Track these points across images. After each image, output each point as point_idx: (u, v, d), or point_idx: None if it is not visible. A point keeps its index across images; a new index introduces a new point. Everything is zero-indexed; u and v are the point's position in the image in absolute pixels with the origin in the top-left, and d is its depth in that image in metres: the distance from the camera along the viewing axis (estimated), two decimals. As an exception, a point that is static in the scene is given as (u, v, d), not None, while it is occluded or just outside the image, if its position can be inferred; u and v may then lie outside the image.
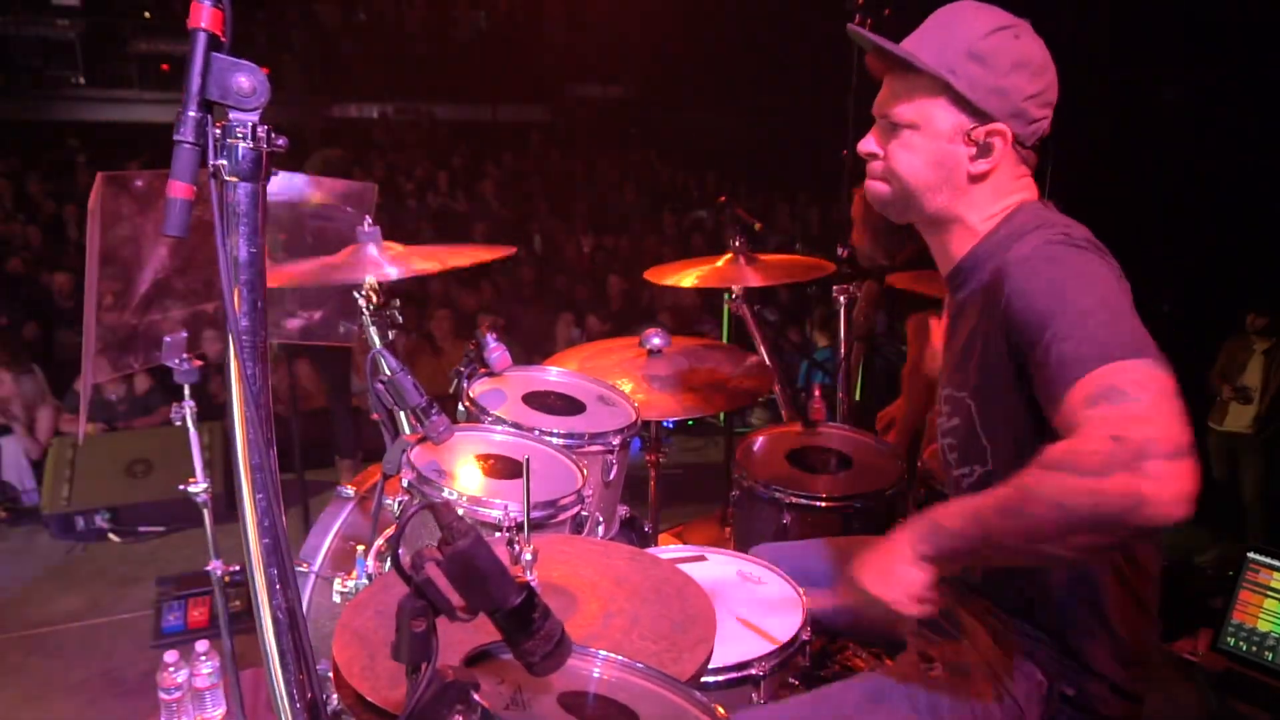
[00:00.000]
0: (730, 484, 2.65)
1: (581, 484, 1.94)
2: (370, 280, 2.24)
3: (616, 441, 2.16)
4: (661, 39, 12.25)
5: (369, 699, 1.19)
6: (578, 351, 2.98)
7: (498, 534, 1.69)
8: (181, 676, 2.37)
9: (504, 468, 2.00)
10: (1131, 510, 1.05)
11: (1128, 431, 1.07)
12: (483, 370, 2.35)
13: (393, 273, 2.22)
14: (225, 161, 1.02)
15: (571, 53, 14.17)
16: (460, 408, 2.25)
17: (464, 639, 1.18)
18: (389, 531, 2.04)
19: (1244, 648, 2.72)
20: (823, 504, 2.41)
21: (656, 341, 2.75)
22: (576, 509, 1.90)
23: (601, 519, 2.13)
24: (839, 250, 3.48)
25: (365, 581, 1.89)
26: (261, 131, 1.02)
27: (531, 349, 5.92)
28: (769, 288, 3.86)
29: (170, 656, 2.37)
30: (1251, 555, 2.78)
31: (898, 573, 1.27)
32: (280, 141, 1.05)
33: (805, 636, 1.75)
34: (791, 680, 1.74)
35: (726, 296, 3.41)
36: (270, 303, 1.10)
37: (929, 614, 1.29)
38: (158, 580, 4.44)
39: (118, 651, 3.88)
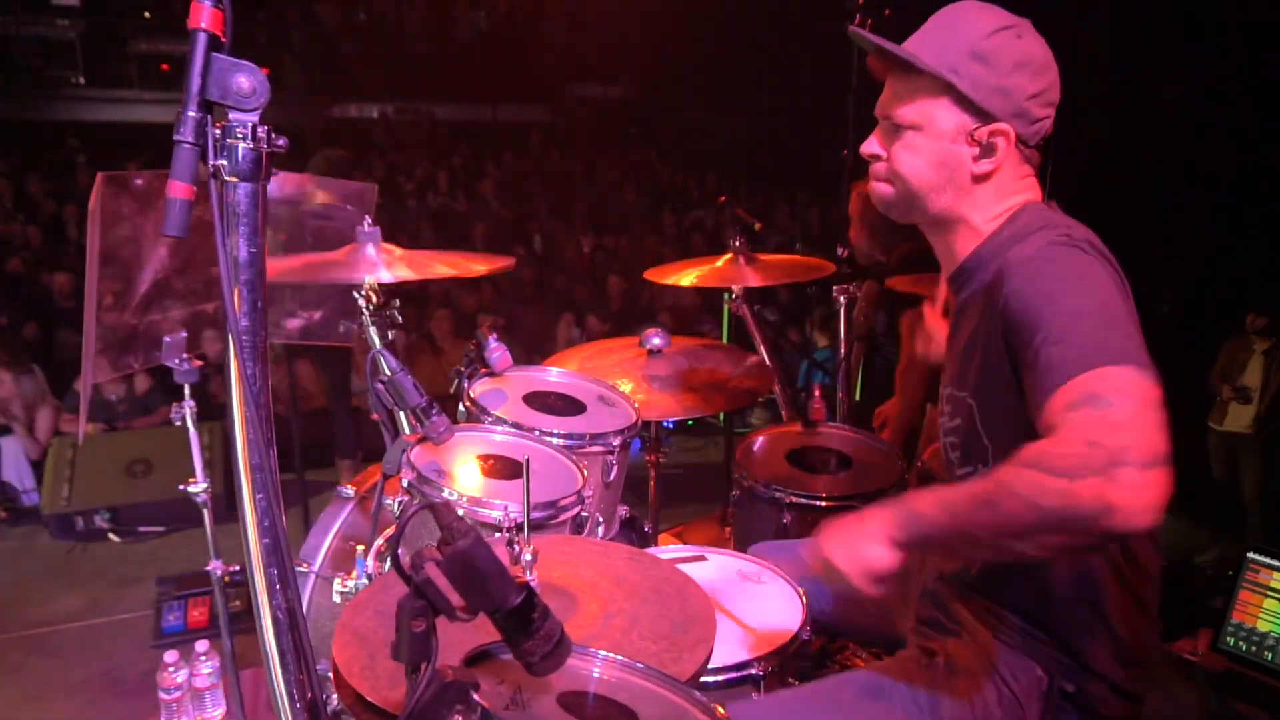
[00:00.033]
0: (730, 484, 2.65)
1: (582, 484, 1.94)
2: (370, 280, 2.24)
3: (617, 442, 2.16)
4: (661, 39, 12.26)
5: (369, 699, 1.19)
6: (578, 351, 2.98)
7: (498, 534, 1.69)
8: (181, 676, 2.37)
9: (504, 468, 2.00)
10: (1099, 515, 1.06)
11: (1104, 438, 1.08)
12: (483, 370, 2.35)
13: (386, 277, 2.21)
14: (225, 161, 1.02)
15: (571, 53, 14.17)
16: (460, 408, 2.25)
17: (464, 639, 1.18)
18: (389, 531, 2.04)
19: (1244, 648, 2.72)
20: (823, 504, 2.41)
21: (656, 341, 2.75)
22: (576, 509, 1.90)
23: (601, 519, 2.13)
24: (839, 250, 3.49)
25: (365, 581, 1.89)
26: (261, 132, 1.02)
27: (531, 349, 5.92)
28: (769, 288, 3.86)
29: (170, 656, 2.37)
30: (1251, 555, 2.78)
31: (865, 551, 1.27)
32: (280, 142, 1.05)
33: (805, 636, 1.75)
34: (791, 680, 1.74)
35: (726, 296, 3.41)
36: (270, 302, 1.10)
37: (883, 595, 1.30)
38: (158, 580, 4.44)
39: (118, 651, 3.88)
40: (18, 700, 3.55)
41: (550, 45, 14.43)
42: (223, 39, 1.00)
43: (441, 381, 2.74)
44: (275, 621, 1.12)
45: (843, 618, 1.92)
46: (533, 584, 1.04)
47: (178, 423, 2.20)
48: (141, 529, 5.08)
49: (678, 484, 5.21)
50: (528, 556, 1.42)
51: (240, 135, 1.01)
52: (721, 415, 5.04)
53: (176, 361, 2.17)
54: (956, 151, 1.42)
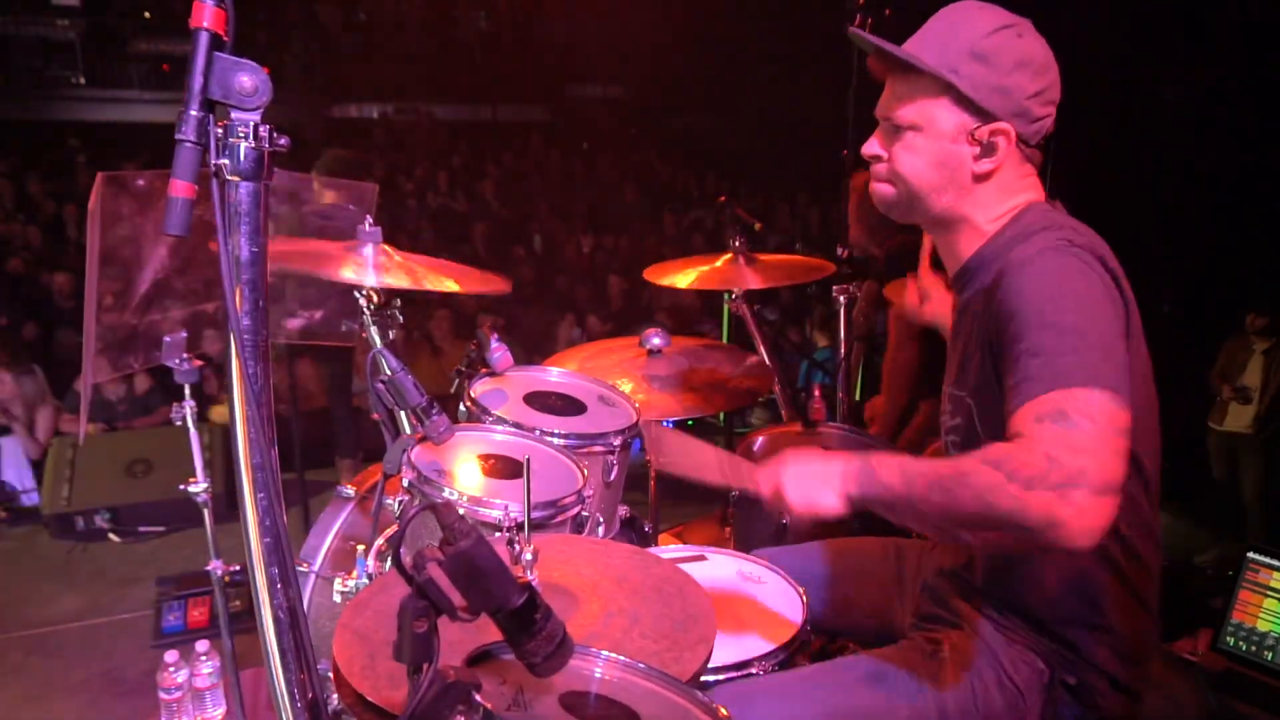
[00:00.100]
0: (730, 484, 2.64)
1: (582, 484, 1.94)
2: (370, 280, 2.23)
3: (617, 442, 2.16)
4: (661, 39, 12.25)
5: (369, 699, 1.19)
6: (578, 351, 2.98)
7: (498, 534, 1.69)
8: (181, 676, 2.37)
9: (504, 468, 2.00)
10: (1044, 529, 1.12)
11: (1063, 456, 1.13)
12: (484, 370, 2.35)
13: (371, 281, 2.18)
14: (227, 161, 1.02)
15: (571, 53, 14.17)
16: (461, 407, 2.25)
17: (466, 639, 1.18)
18: (389, 531, 2.04)
19: (1244, 647, 2.72)
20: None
21: (656, 341, 2.75)
22: (577, 509, 1.90)
23: (602, 519, 2.13)
24: (839, 250, 3.48)
25: (365, 581, 1.89)
26: (263, 131, 1.02)
27: (532, 349, 5.92)
28: (769, 288, 3.86)
29: (170, 656, 2.37)
30: (1251, 555, 2.77)
31: (815, 494, 1.33)
32: (282, 141, 1.05)
33: (805, 636, 1.75)
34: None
35: (726, 296, 3.40)
36: (271, 301, 1.10)
37: (815, 533, 1.34)
38: (158, 580, 4.44)
39: (118, 651, 3.88)
40: (18, 700, 3.55)
41: (550, 45, 14.43)
42: (225, 38, 1.00)
43: (441, 381, 2.74)
44: (276, 620, 1.12)
45: (842, 618, 1.92)
46: (534, 584, 1.04)
47: (178, 423, 2.20)
48: (141, 529, 5.08)
49: (678, 484, 5.19)
50: (528, 556, 1.42)
51: (242, 134, 1.01)
52: (721, 415, 5.03)
53: (176, 361, 2.16)
54: (957, 151, 1.42)
